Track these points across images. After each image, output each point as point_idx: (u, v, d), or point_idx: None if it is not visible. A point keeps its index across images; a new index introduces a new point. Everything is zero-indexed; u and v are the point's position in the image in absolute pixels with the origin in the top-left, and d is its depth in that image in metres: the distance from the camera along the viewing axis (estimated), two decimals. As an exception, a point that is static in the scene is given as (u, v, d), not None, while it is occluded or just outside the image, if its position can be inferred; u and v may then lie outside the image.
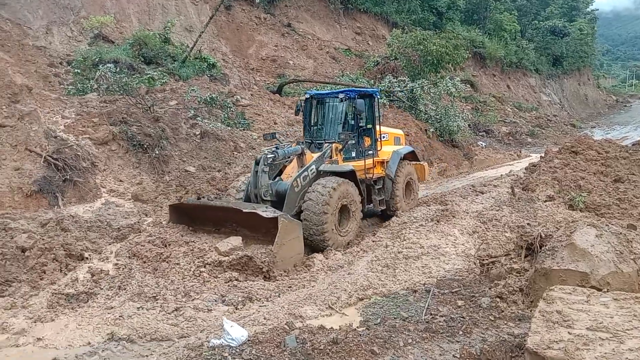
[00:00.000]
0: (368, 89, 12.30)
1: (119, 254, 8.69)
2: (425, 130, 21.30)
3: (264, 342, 5.41)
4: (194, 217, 9.65)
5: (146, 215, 10.78)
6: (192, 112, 14.84)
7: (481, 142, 26.89)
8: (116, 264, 8.25)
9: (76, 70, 16.09)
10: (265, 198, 9.33)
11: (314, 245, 9.42)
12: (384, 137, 12.11)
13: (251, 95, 19.35)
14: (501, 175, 17.41)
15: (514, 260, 7.37)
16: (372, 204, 11.50)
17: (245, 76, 22.46)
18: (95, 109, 13.50)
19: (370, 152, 11.43)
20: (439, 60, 23.34)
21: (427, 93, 22.37)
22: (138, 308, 6.76)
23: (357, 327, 6.04)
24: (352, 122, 11.22)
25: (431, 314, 6.38)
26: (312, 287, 7.71)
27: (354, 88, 12.36)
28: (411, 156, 12.96)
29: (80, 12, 19.90)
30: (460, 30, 38.01)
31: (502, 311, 6.32)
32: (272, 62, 25.27)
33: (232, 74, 21.79)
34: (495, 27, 45.96)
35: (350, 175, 10.25)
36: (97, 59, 16.42)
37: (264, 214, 8.34)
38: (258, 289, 7.47)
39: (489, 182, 15.88)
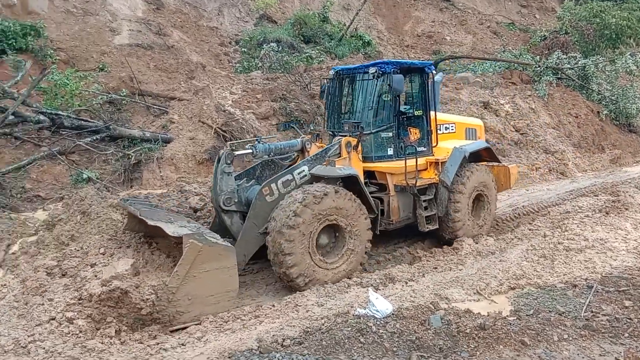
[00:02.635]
0: (416, 62, 9.23)
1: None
2: (598, 112, 19.28)
3: (408, 318, 5.43)
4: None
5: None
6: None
7: (665, 128, 23.53)
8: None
9: (243, 49, 17.32)
10: (226, 207, 7.28)
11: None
12: (446, 128, 9.42)
13: (405, 72, 19.10)
14: (689, 165, 15.18)
15: (701, 262, 6.42)
16: (417, 221, 8.61)
17: (399, 53, 22.24)
18: (259, 85, 14.45)
19: (421, 148, 8.70)
20: (618, 35, 20.80)
21: (602, 71, 20.10)
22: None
23: (507, 316, 5.76)
24: (391, 106, 8.44)
25: (592, 312, 5.84)
26: (460, 270, 7.52)
27: (392, 60, 9.19)
28: (488, 155, 9.76)
29: (248, -6, 21.25)
30: (647, 0, 33.31)
31: (681, 318, 5.57)
32: (427, 38, 24.62)
33: (387, 51, 21.70)
34: (693, -6, 39.43)
35: (350, 181, 7.67)
36: (261, 39, 17.45)
37: (168, 230, 6.13)
38: (398, 271, 7.47)
39: (673, 173, 13.93)
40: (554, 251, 7.75)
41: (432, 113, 8.88)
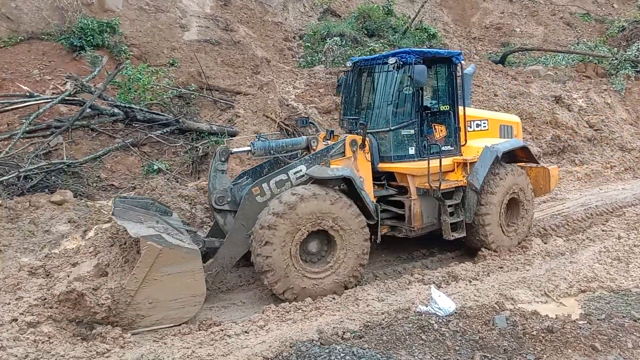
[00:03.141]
0: (441, 51, 8.33)
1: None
2: (682, 107, 18.01)
3: (471, 317, 5.33)
4: None
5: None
6: (410, 83, 14.96)
7: None
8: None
9: (307, 44, 17.44)
10: (218, 206, 6.95)
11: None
12: (478, 125, 8.60)
13: (471, 66, 18.63)
14: None
15: None
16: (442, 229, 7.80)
17: (466, 46, 21.65)
18: (321, 80, 14.52)
19: (447, 147, 7.95)
20: None
21: (687, 63, 18.76)
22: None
23: (577, 320, 5.52)
24: (413, 101, 7.57)
25: (672, 320, 5.50)
26: (527, 270, 7.27)
27: (414, 49, 8.23)
28: (524, 155, 8.80)
29: (312, -11, 21.36)
30: None
31: None
32: (496, 30, 23.83)
33: (452, 43, 21.18)
34: None
35: (345, 183, 6.96)
36: (325, 33, 17.49)
37: (131, 231, 5.82)
38: (462, 269, 7.31)
39: None
40: (629, 254, 7.36)
41: (460, 108, 8.09)
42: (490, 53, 21.17)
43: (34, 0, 13.62)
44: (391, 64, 7.42)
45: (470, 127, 8.40)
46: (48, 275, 6.69)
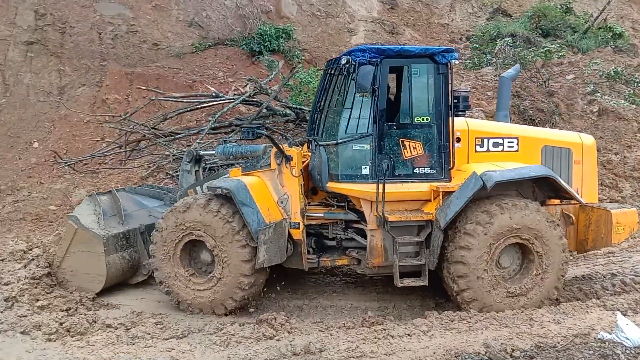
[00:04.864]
0: (414, 48, 6.55)
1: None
2: None
3: (666, 353, 4.71)
4: None
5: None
6: (591, 87, 13.65)
7: None
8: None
9: (474, 45, 16.87)
10: None
11: None
12: (497, 144, 6.59)
13: (668, 68, 16.44)
14: None
15: None
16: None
17: (659, 46, 19.19)
18: (489, 82, 13.93)
19: (427, 170, 6.39)
20: None
21: None
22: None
23: None
24: (370, 109, 6.27)
25: None
26: None
27: (375, 45, 6.62)
28: (558, 188, 6.44)
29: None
30: None
31: None
32: (700, 27, 20.76)
33: (642, 44, 18.92)
34: None
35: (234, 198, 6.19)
36: (494, 34, 16.80)
37: (75, 211, 7.00)
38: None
39: None
40: None
41: (450, 120, 6.39)
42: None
43: (221, 9, 15.12)
44: (343, 64, 6.37)
45: (482, 146, 6.59)
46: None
